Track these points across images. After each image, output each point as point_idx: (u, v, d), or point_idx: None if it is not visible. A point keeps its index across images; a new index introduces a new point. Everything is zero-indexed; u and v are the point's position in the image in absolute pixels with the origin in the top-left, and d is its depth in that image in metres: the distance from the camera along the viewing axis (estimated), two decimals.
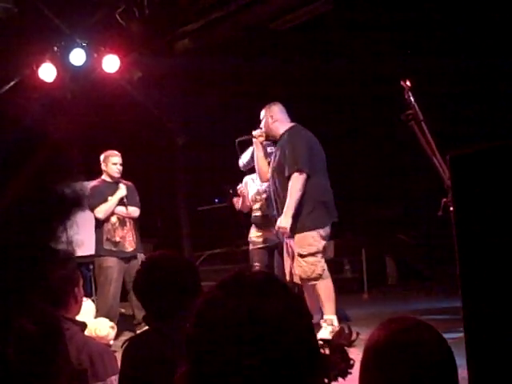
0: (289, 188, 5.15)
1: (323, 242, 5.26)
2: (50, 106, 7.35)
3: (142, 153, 9.13)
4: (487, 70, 6.63)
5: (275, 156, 5.44)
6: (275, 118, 5.47)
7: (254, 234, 6.09)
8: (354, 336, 1.31)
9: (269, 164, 5.62)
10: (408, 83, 3.57)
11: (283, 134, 5.41)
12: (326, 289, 5.22)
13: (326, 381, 1.22)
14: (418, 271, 8.68)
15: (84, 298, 5.89)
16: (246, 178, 6.22)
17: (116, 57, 7.18)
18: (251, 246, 6.13)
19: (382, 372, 1.56)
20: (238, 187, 6.27)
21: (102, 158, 6.25)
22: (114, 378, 2.52)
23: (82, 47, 7.15)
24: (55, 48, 7.24)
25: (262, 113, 5.55)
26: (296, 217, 5.15)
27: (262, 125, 5.57)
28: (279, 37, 7.17)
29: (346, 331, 1.31)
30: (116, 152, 6.29)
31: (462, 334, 1.85)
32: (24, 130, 0.75)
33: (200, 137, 9.08)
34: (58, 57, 7.28)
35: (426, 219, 7.94)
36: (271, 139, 5.61)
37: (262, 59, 7.31)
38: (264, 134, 5.57)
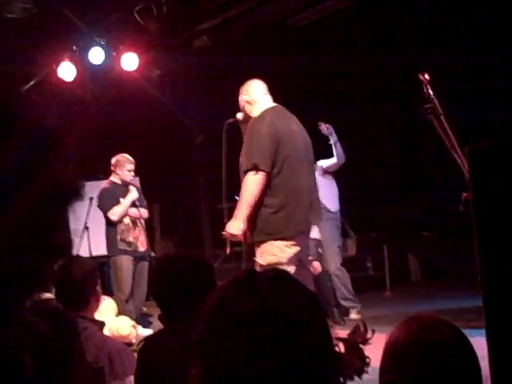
0: (242, 189, 4.17)
1: (290, 251, 4.20)
2: (70, 105, 7.42)
3: (162, 151, 9.16)
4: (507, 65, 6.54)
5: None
6: (247, 99, 4.45)
7: None
8: (369, 334, 1.28)
9: None
10: (426, 76, 3.50)
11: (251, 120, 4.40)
12: None
13: (342, 380, 1.18)
14: (441, 269, 8.60)
15: (106, 297, 6.01)
16: None
17: (134, 55, 7.22)
18: None
19: (402, 371, 1.53)
20: None
21: (114, 161, 6.41)
22: (133, 377, 2.51)
23: (101, 46, 7.20)
24: (74, 47, 7.30)
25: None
26: (256, 221, 4.16)
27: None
28: (297, 32, 7.14)
29: (362, 329, 1.28)
30: (131, 159, 6.44)
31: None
32: (38, 130, 0.76)
33: (219, 134, 9.07)
34: (77, 56, 7.34)
35: (450, 216, 7.85)
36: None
37: (280, 55, 7.28)
38: (246, 119, 4.53)
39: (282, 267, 3.84)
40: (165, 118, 8.79)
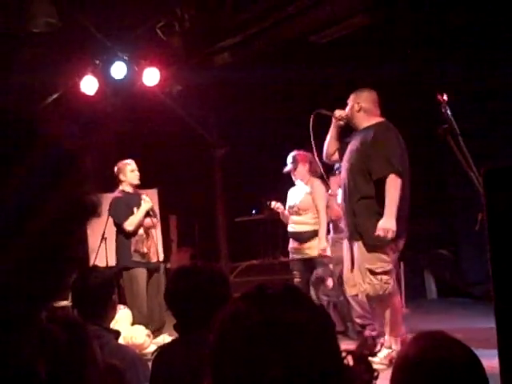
0: (386, 191, 4.59)
1: (394, 256, 4.84)
2: (91, 118, 7.51)
3: (181, 164, 9.22)
4: None
5: (352, 151, 4.86)
6: (362, 106, 4.92)
7: (292, 245, 6.20)
8: (377, 347, 1.30)
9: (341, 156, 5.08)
10: (445, 97, 3.54)
11: (368, 127, 4.85)
12: (394, 307, 4.78)
13: None
14: (456, 287, 8.52)
15: (121, 306, 6.04)
16: (290, 191, 6.32)
17: (156, 70, 7.28)
18: (291, 256, 6.24)
19: None
20: (273, 205, 6.35)
21: (116, 170, 6.26)
22: None
23: (123, 61, 7.27)
24: (97, 61, 7.38)
25: (352, 96, 5.04)
26: (368, 224, 4.67)
27: (347, 109, 5.04)
28: (319, 49, 7.17)
29: (370, 342, 1.30)
30: (130, 161, 6.31)
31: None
32: (56, 150, 0.77)
33: (238, 149, 9.13)
34: (99, 70, 7.42)
35: (467, 234, 7.81)
36: (351, 127, 5.06)
37: (301, 72, 7.31)
38: (345, 120, 5.03)
39: (391, 271, 4.71)
40: (185, 133, 8.86)
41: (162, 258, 6.57)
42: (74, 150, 0.78)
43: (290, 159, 6.14)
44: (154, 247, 6.30)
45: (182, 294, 2.31)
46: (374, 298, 4.74)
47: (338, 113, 5.04)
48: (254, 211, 9.64)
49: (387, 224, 4.57)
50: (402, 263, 8.00)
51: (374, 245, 4.67)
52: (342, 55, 7.27)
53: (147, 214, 6.21)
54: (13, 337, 0.71)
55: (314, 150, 5.25)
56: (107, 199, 6.05)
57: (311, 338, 1.12)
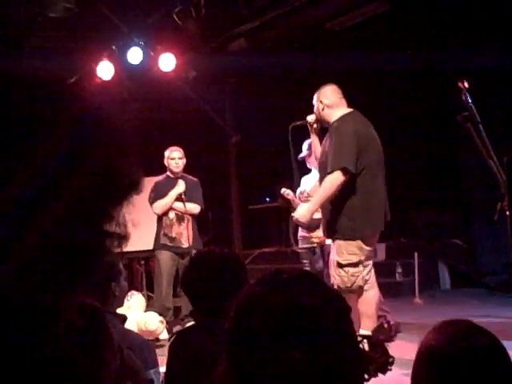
0: (322, 184, 4.53)
1: (367, 249, 4.66)
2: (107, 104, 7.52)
3: (196, 151, 9.22)
4: None
5: (323, 148, 4.77)
6: (326, 104, 4.71)
7: (301, 233, 6.19)
8: (393, 332, 1.29)
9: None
10: (466, 84, 3.49)
11: (333, 123, 4.65)
12: (367, 300, 4.62)
13: (366, 376, 1.20)
14: (471, 277, 8.48)
15: (135, 292, 6.05)
16: (303, 178, 6.30)
17: (172, 55, 7.28)
18: (300, 244, 6.23)
19: (436, 376, 1.51)
20: (283, 191, 6.36)
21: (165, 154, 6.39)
22: (153, 371, 2.54)
23: (140, 46, 7.27)
24: (113, 47, 7.40)
25: (314, 97, 4.85)
26: (336, 221, 4.58)
27: (314, 110, 4.88)
28: (335, 36, 7.13)
29: (385, 326, 1.29)
30: (175, 147, 6.40)
31: None
32: (92, 117, 0.74)
33: (253, 136, 9.11)
34: (115, 55, 7.44)
35: (482, 224, 7.77)
36: (325, 126, 4.88)
37: (316, 58, 7.27)
38: (317, 122, 4.91)
39: (362, 264, 4.58)
40: (200, 119, 8.86)
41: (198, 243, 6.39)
42: (107, 118, 0.74)
43: (305, 146, 6.14)
44: (190, 232, 6.23)
45: (198, 280, 2.31)
46: (344, 291, 4.58)
47: (309, 118, 4.93)
48: (267, 199, 9.65)
49: (298, 214, 4.67)
50: (415, 253, 7.98)
51: (343, 238, 4.60)
52: (358, 42, 7.23)
53: (180, 199, 6.20)
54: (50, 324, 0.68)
55: (293, 163, 5.31)
56: (151, 182, 6.25)
57: (328, 321, 1.12)
